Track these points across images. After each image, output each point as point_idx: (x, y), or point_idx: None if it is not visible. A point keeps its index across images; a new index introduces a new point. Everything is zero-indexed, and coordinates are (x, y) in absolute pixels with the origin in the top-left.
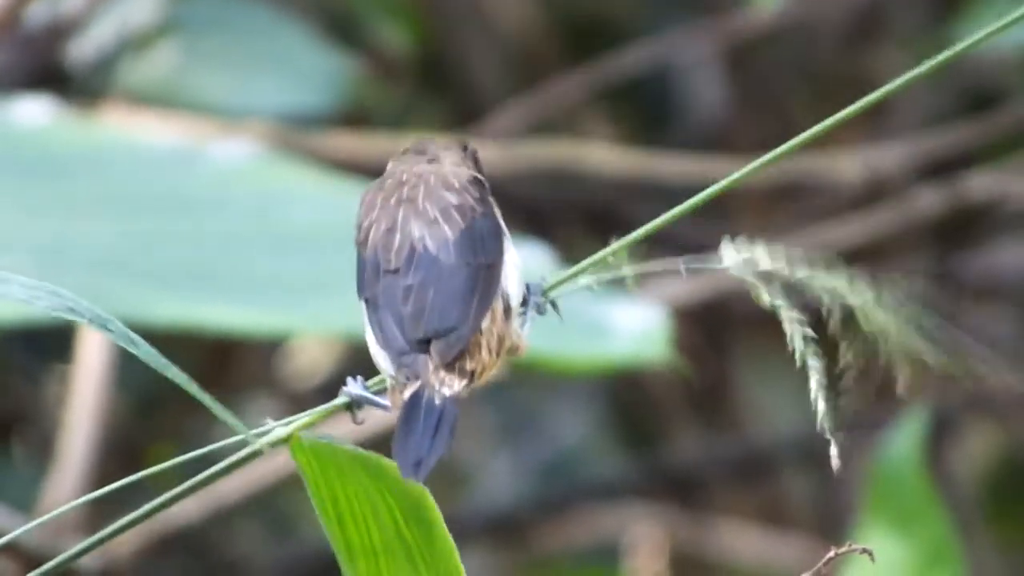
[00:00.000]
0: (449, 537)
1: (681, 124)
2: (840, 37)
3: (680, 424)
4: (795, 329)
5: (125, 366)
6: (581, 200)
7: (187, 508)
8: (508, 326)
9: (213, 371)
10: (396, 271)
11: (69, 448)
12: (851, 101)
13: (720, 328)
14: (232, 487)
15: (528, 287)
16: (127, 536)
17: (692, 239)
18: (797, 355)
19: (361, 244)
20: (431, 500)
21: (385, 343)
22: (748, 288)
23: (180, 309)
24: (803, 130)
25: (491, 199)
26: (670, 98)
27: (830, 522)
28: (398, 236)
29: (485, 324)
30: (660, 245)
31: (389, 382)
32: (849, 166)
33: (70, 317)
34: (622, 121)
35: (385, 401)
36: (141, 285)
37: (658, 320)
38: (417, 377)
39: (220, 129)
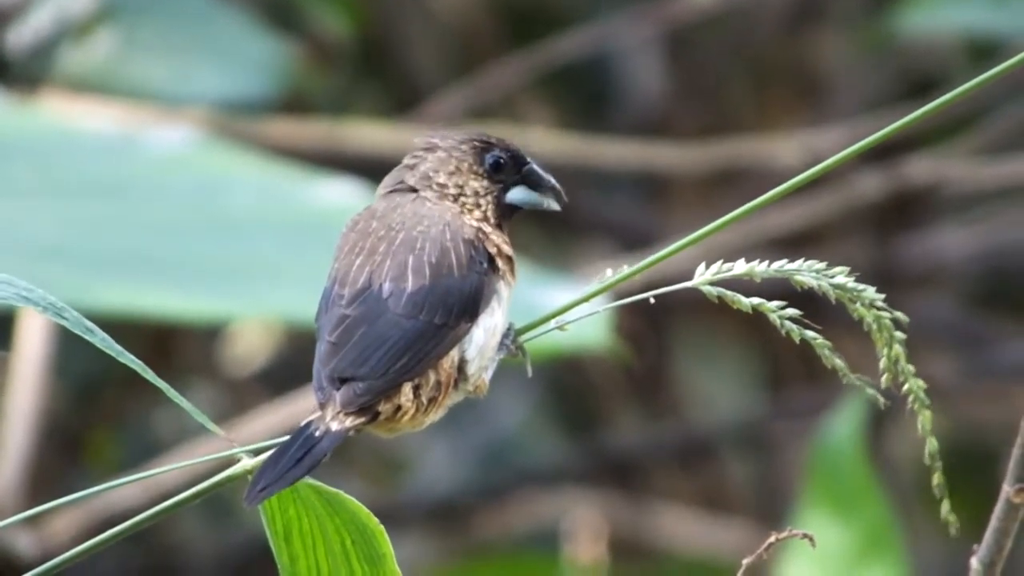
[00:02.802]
0: (399, 573)
1: (620, 109)
2: (779, 22)
3: (620, 409)
4: (788, 325)
5: (64, 353)
6: None
7: (128, 494)
8: (459, 379)
9: (152, 357)
10: (343, 302)
11: (9, 434)
12: (790, 86)
13: (660, 313)
14: (172, 474)
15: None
16: (67, 523)
17: (630, 224)
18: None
19: (329, 273)
20: (385, 536)
21: (314, 371)
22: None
23: (120, 295)
24: (741, 115)
25: (495, 255)
26: (609, 83)
27: (770, 506)
28: (362, 271)
29: (422, 378)
30: (600, 231)
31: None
32: (789, 150)
33: (24, 306)
34: (561, 106)
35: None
36: (81, 271)
37: (598, 305)
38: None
39: (159, 115)
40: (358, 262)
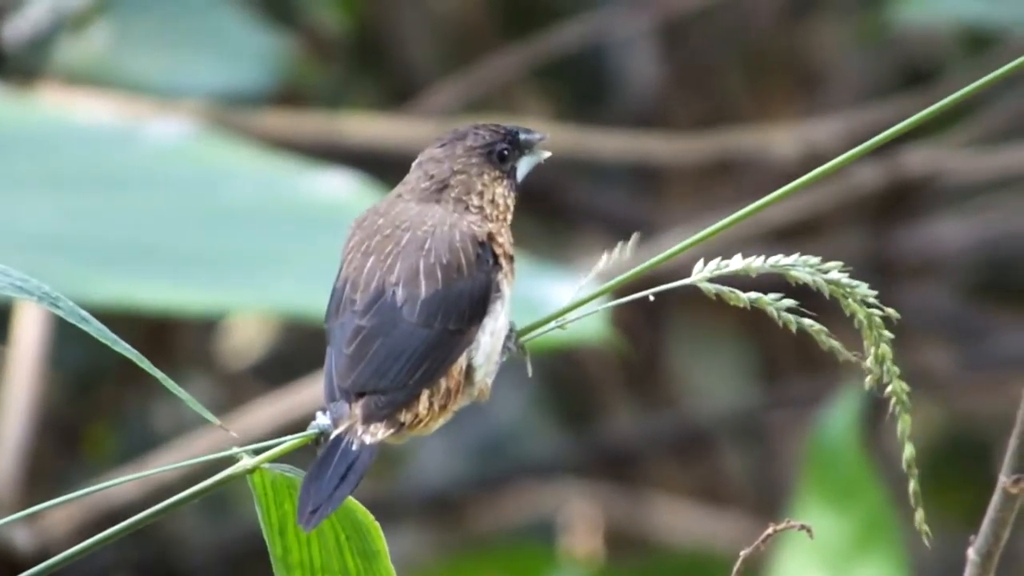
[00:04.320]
0: (392, 570)
1: (616, 100)
2: (775, 12)
3: (616, 401)
4: (785, 316)
5: (61, 347)
6: None
7: (125, 487)
8: (466, 385)
9: (148, 350)
10: (356, 310)
11: (6, 427)
12: (786, 77)
13: (654, 304)
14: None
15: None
16: (65, 516)
17: (626, 215)
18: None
19: (338, 274)
20: (380, 532)
21: (325, 380)
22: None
23: (117, 287)
24: (737, 106)
25: (499, 255)
26: (605, 74)
27: (767, 498)
28: (373, 276)
29: (434, 385)
30: (595, 222)
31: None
32: (785, 140)
33: (18, 296)
34: (557, 98)
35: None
36: (77, 264)
37: (597, 303)
38: (342, 422)
39: (156, 108)
40: (368, 264)
